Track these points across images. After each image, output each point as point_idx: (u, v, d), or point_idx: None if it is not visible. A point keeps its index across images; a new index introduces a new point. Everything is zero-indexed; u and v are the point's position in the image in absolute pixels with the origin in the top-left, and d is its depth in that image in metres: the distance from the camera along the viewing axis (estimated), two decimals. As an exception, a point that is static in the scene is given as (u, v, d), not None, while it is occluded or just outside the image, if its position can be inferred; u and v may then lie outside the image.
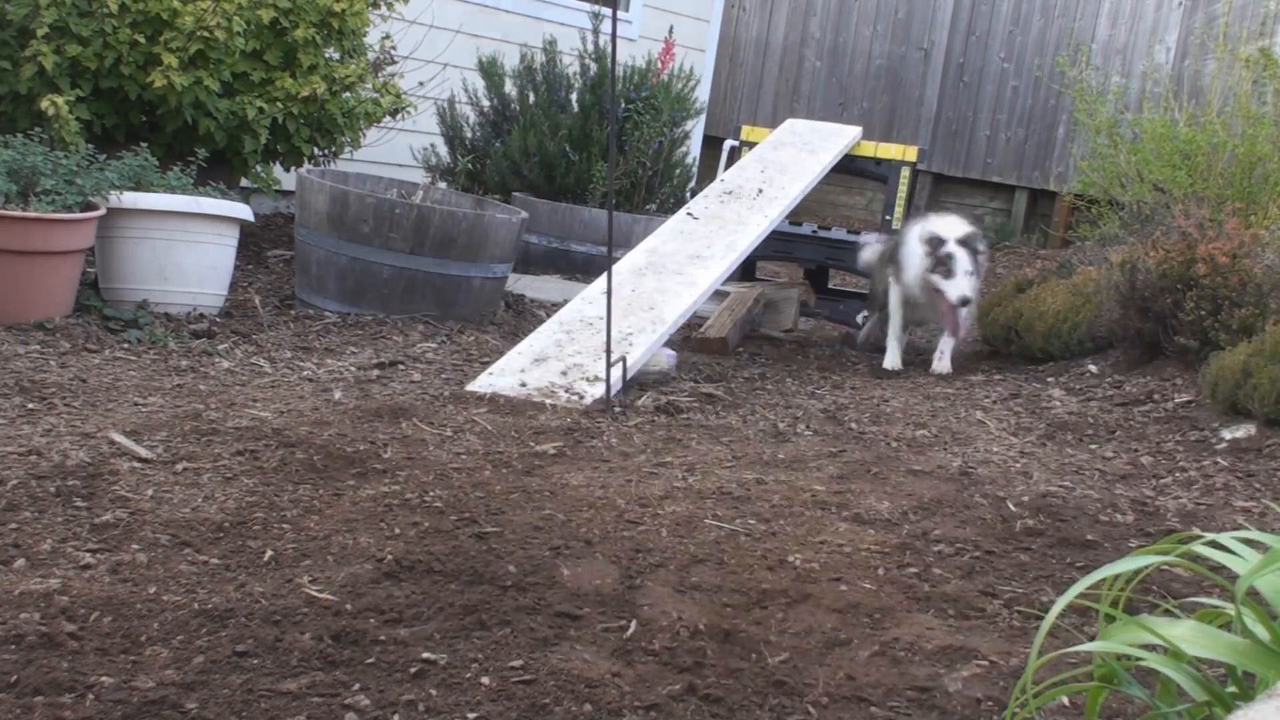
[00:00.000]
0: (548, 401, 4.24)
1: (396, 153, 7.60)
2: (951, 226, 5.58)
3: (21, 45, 5.26)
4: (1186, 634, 1.50)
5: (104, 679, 2.12)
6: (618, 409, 4.26)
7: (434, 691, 2.18)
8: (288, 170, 6.34)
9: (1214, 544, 1.62)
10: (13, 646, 2.20)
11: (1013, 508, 3.45)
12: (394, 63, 6.46)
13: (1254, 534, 1.66)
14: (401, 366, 4.63)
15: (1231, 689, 1.59)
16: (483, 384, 4.38)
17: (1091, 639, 1.72)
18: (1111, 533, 3.33)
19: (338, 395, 4.08)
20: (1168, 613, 1.74)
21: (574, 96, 7.63)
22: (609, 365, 4.29)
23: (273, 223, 7.14)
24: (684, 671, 2.35)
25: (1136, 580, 1.63)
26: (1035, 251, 9.91)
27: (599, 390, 4.37)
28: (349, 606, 2.48)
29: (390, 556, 2.73)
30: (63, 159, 4.64)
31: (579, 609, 2.57)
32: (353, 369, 4.51)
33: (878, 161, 7.02)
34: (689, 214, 5.94)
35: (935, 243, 5.45)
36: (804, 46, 11.48)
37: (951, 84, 11.02)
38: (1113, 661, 1.61)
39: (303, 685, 2.16)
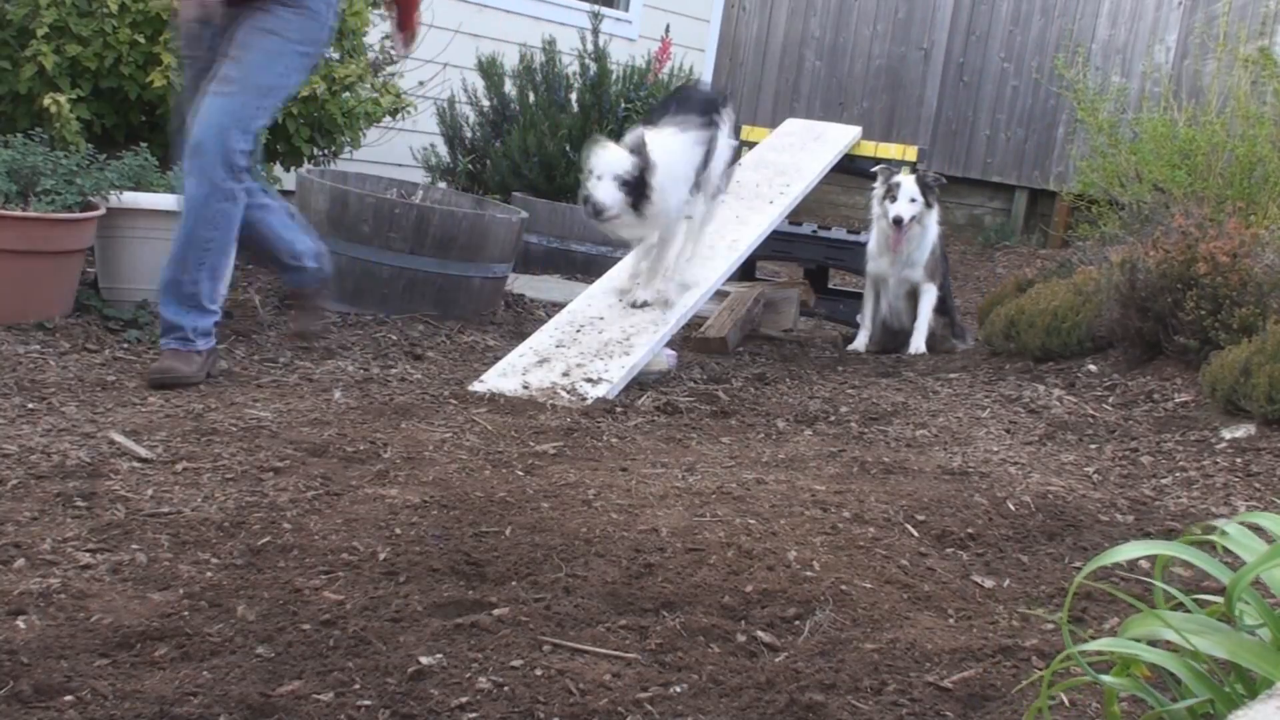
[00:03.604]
0: (549, 402, 4.24)
1: (396, 153, 7.60)
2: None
3: (21, 45, 5.26)
4: (1194, 629, 1.49)
5: (103, 682, 2.12)
6: (618, 409, 4.26)
7: (434, 691, 2.18)
8: (287, 170, 6.34)
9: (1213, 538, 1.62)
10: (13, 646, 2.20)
11: (1013, 508, 3.45)
12: (394, 63, 6.46)
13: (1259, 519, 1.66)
14: (401, 366, 4.63)
15: (1235, 686, 1.59)
16: (483, 384, 4.38)
17: (1089, 638, 1.72)
18: (1112, 532, 3.33)
19: (337, 395, 4.08)
20: (1178, 607, 1.74)
21: (574, 96, 7.62)
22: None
23: (272, 223, 7.14)
24: (683, 670, 2.35)
25: (1103, 578, 1.63)
26: (1035, 251, 9.91)
27: (600, 390, 4.37)
28: (348, 606, 2.48)
29: (390, 556, 2.73)
30: (63, 159, 4.63)
31: (578, 609, 2.57)
32: (352, 369, 4.51)
33: (878, 161, 7.02)
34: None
35: (887, 172, 6.20)
36: (804, 46, 11.48)
37: (951, 84, 11.02)
38: (1135, 647, 1.58)
39: (302, 685, 2.16)
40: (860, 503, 3.38)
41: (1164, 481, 3.83)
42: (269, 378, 4.28)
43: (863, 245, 6.46)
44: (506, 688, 2.22)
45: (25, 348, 4.18)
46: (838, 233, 7.00)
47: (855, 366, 5.74)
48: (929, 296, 6.24)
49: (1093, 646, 1.53)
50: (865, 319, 6.35)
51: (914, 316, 6.23)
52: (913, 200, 6.05)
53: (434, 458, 3.47)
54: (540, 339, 4.76)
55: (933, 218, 6.19)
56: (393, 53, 6.35)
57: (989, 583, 2.93)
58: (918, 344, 6.16)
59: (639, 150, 4.62)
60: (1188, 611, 1.68)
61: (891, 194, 6.08)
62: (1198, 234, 4.90)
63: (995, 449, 4.10)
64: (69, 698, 2.06)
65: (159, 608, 2.41)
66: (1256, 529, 1.61)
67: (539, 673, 2.28)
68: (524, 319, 5.78)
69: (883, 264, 6.24)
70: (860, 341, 6.29)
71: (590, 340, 4.74)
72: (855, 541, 3.08)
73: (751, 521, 3.17)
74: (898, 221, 6.03)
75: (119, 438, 3.35)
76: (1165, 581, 2.86)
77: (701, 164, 4.93)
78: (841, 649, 2.49)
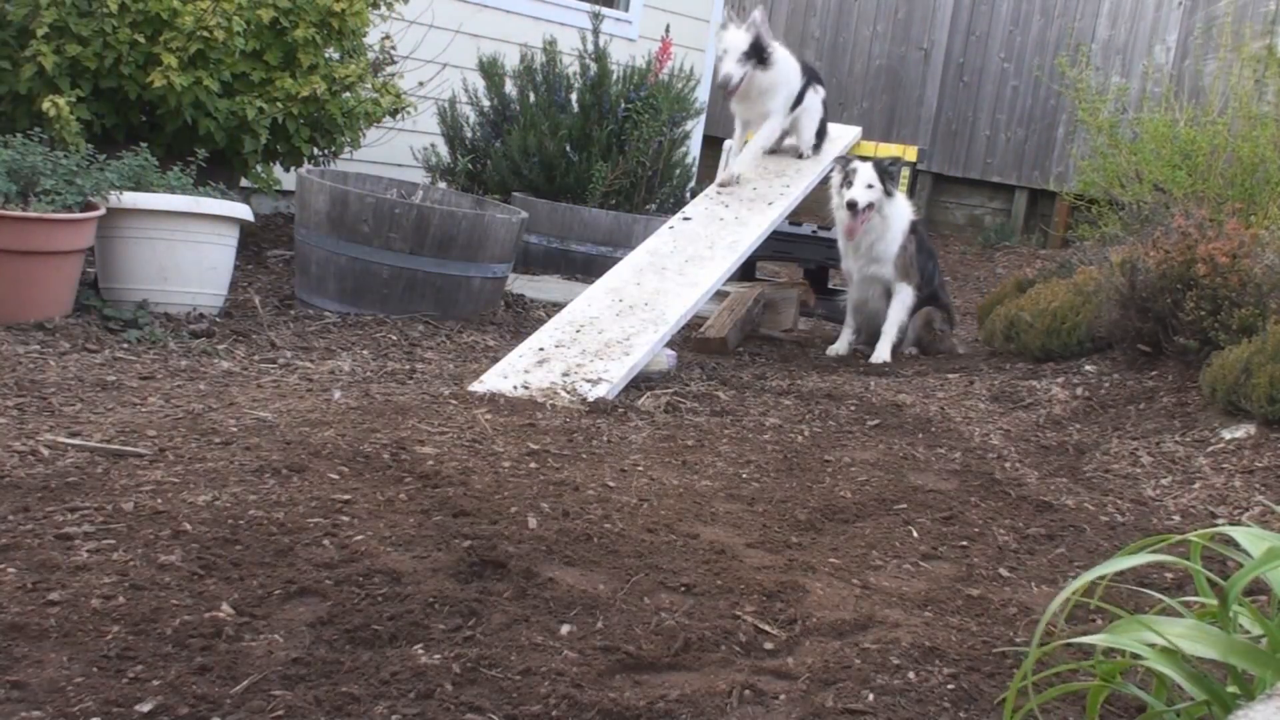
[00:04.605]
0: (549, 402, 4.25)
1: (396, 153, 7.61)
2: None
3: (21, 45, 5.26)
4: (1185, 633, 1.50)
5: (102, 684, 2.13)
6: (619, 409, 4.26)
7: (434, 691, 2.18)
8: (288, 170, 6.35)
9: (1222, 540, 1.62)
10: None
11: (1012, 507, 3.45)
12: (394, 63, 6.47)
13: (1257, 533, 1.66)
14: (401, 366, 4.63)
15: (1232, 689, 1.59)
16: (483, 384, 4.38)
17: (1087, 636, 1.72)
18: (1112, 532, 3.34)
19: (337, 395, 4.08)
20: (1165, 610, 1.74)
21: (574, 96, 7.63)
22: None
23: (273, 223, 7.15)
24: (683, 671, 2.35)
25: (1098, 586, 1.63)
26: (1035, 251, 9.92)
27: (600, 390, 4.38)
28: (349, 606, 2.48)
29: (390, 556, 2.73)
30: (63, 159, 4.64)
31: (579, 609, 2.57)
32: (352, 369, 4.51)
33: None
34: (689, 214, 5.94)
35: (844, 161, 6.02)
36: (804, 46, 11.48)
37: (951, 84, 11.03)
38: (1138, 647, 1.59)
39: (305, 687, 2.17)
40: (860, 502, 3.38)
41: (1164, 481, 3.84)
42: (269, 378, 4.28)
43: None
44: (508, 688, 2.22)
45: (25, 348, 4.18)
46: (837, 233, 7.00)
47: (855, 366, 5.74)
48: (901, 298, 5.92)
49: (1089, 639, 1.54)
50: (848, 319, 6.16)
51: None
52: (869, 186, 5.77)
53: (434, 458, 3.47)
54: (540, 339, 4.77)
55: (895, 208, 5.90)
56: (392, 52, 6.36)
57: (989, 582, 2.93)
58: (880, 353, 5.84)
59: None
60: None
61: (848, 180, 5.83)
62: (1197, 235, 4.90)
63: (995, 448, 4.11)
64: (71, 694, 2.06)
65: (159, 607, 2.41)
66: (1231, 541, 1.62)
67: (539, 673, 2.28)
68: (524, 319, 5.78)
69: (849, 260, 6.02)
70: (841, 344, 6.06)
71: (590, 340, 4.74)
72: (854, 540, 3.09)
73: (752, 521, 3.17)
74: (852, 205, 5.76)
75: (118, 438, 3.35)
76: (1163, 581, 2.86)
77: None
78: (840, 647, 2.49)
